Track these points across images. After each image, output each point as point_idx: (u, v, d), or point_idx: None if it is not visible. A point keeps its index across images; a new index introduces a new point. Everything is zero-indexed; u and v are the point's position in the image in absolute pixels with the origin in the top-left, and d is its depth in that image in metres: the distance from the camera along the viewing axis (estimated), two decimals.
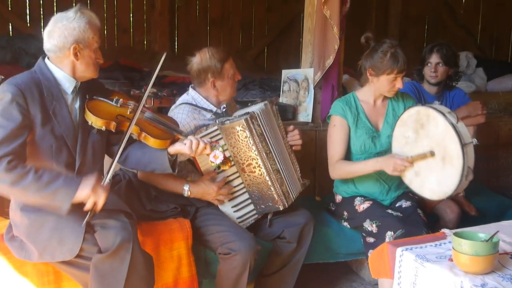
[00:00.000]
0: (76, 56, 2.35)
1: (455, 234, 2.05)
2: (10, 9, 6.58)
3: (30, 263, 2.38)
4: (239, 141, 2.75)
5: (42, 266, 2.41)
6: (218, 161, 2.51)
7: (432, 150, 2.70)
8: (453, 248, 2.01)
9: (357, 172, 3.04)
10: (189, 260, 2.75)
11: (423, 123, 2.75)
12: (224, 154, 2.52)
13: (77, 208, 2.26)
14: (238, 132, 2.73)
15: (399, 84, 2.99)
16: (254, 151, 2.75)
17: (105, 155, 2.61)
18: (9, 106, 2.24)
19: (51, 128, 2.32)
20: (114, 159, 2.34)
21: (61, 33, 2.31)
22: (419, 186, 2.82)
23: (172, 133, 2.51)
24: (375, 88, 3.09)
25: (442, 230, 2.43)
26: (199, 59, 2.89)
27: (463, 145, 2.56)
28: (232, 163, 2.77)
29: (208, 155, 2.51)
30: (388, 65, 2.94)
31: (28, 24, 6.62)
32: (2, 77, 4.11)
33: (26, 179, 2.19)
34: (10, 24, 6.57)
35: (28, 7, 6.70)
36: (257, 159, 2.76)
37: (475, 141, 2.62)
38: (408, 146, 2.83)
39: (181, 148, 2.45)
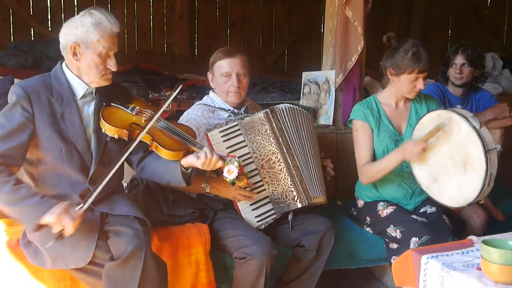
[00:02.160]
0: (76, 56, 2.30)
1: (484, 242, 1.97)
2: (31, 14, 6.65)
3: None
4: (258, 135, 2.77)
5: (58, 271, 2.38)
6: (232, 176, 2.42)
7: (441, 124, 2.64)
8: (481, 256, 1.93)
9: (383, 169, 2.93)
10: (207, 265, 2.71)
11: (444, 128, 2.67)
12: (239, 169, 2.43)
13: (89, 216, 2.24)
14: (258, 125, 2.77)
15: (420, 85, 2.91)
16: (274, 145, 2.77)
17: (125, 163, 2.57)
18: (12, 108, 2.25)
19: (59, 132, 2.30)
20: (108, 175, 2.22)
21: (65, 31, 2.29)
22: (438, 193, 2.76)
23: (186, 144, 2.43)
24: (396, 89, 3.03)
25: (470, 237, 2.34)
26: None
27: (486, 151, 2.49)
28: (256, 172, 2.76)
29: (222, 168, 2.42)
30: (409, 64, 2.87)
31: (50, 29, 6.67)
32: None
33: (3, 188, 2.16)
34: (31, 29, 6.63)
35: (49, 12, 6.76)
36: (277, 153, 2.78)
37: (498, 147, 2.54)
38: (427, 151, 2.75)
39: (194, 161, 2.37)
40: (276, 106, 2.87)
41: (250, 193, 2.76)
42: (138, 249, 2.22)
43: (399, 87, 2.99)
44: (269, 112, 2.80)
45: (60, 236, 2.15)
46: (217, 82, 2.91)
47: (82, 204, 2.19)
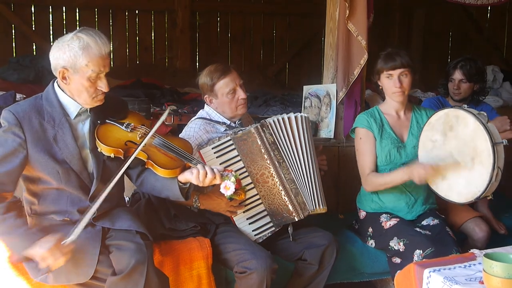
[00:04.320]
0: (65, 79, 2.27)
1: (486, 255, 1.96)
2: (34, 29, 6.69)
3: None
4: (251, 150, 2.75)
5: (60, 287, 2.37)
6: (229, 192, 2.40)
7: (456, 160, 2.66)
8: (484, 270, 1.92)
9: (388, 183, 2.96)
10: (209, 279, 2.70)
11: (452, 125, 2.71)
12: (237, 184, 2.41)
13: (91, 231, 2.24)
14: (249, 140, 2.74)
15: (395, 82, 2.97)
16: (266, 159, 2.75)
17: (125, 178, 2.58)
18: (4, 133, 2.25)
19: (53, 154, 2.29)
20: (102, 195, 2.21)
21: (54, 54, 2.26)
22: (446, 190, 2.77)
23: (182, 160, 2.41)
24: (387, 96, 3.11)
25: (472, 250, 2.34)
26: (200, 76, 2.97)
27: (494, 144, 2.52)
28: (252, 186, 2.75)
29: (219, 185, 2.41)
30: (381, 63, 3.02)
31: (52, 44, 6.67)
32: (24, 96, 4.16)
33: None
34: (34, 43, 6.67)
35: (51, 27, 6.80)
36: (270, 167, 2.75)
37: (505, 141, 2.58)
38: (435, 150, 2.79)
39: (189, 177, 2.36)
40: (267, 119, 2.83)
41: (239, 207, 2.76)
42: (140, 264, 2.22)
43: (386, 91, 3.07)
44: (259, 127, 2.76)
45: (49, 270, 2.17)
46: (222, 101, 2.90)
47: (70, 237, 2.16)
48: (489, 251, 2.14)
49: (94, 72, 2.24)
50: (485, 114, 2.63)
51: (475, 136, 2.60)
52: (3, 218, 2.18)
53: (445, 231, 2.92)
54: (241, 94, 2.89)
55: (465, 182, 2.66)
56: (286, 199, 2.77)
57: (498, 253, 2.00)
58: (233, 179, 2.40)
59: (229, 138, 2.75)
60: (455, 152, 2.69)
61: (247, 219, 2.81)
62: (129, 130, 2.41)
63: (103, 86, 2.29)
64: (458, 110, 2.70)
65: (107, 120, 2.41)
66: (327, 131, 3.82)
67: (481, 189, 2.59)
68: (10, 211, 2.22)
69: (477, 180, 2.60)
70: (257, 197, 2.80)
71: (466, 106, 3.57)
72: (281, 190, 2.77)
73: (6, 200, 2.25)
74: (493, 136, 2.54)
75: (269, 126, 2.79)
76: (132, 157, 2.29)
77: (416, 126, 3.09)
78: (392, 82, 2.99)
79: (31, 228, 2.29)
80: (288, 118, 2.85)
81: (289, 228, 2.87)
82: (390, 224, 3.01)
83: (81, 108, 2.36)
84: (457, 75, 3.66)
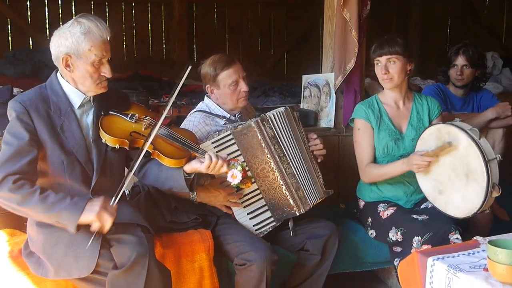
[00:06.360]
0: (68, 67, 2.26)
1: (490, 242, 1.95)
2: (29, 23, 6.65)
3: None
4: (251, 145, 2.70)
5: (61, 281, 2.36)
6: (236, 181, 2.41)
7: (450, 141, 2.66)
8: (488, 257, 1.91)
9: (387, 174, 2.97)
10: (211, 272, 2.69)
11: (444, 141, 2.70)
12: (243, 173, 2.42)
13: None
14: (249, 135, 2.69)
15: (382, 69, 2.96)
16: (267, 154, 2.70)
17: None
18: (15, 124, 2.22)
19: (60, 144, 2.27)
20: (125, 180, 2.23)
21: (55, 42, 2.25)
22: (444, 204, 2.79)
23: (188, 150, 2.41)
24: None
25: (475, 237, 2.33)
26: (203, 65, 2.90)
27: (487, 162, 2.52)
28: (253, 180, 2.72)
29: (226, 173, 2.41)
30: (371, 50, 3.02)
31: (48, 37, 6.65)
32: (21, 90, 4.13)
33: (32, 199, 2.16)
34: (30, 37, 6.63)
35: (47, 21, 6.77)
36: (270, 162, 2.71)
37: (499, 157, 2.58)
38: (431, 164, 2.78)
39: (198, 166, 2.36)
40: (267, 113, 2.78)
41: (237, 200, 2.74)
42: (142, 257, 2.20)
43: (378, 79, 3.05)
44: (260, 121, 2.70)
45: (98, 233, 2.17)
46: (224, 93, 2.85)
47: (114, 199, 2.20)
48: (493, 238, 2.13)
49: (97, 57, 2.24)
50: (477, 130, 2.61)
51: (467, 154, 2.60)
52: (43, 196, 2.17)
53: (442, 212, 2.92)
54: (243, 87, 2.86)
55: (461, 198, 2.68)
56: (287, 193, 2.74)
57: (503, 240, 1.99)
58: (239, 167, 2.40)
59: (229, 132, 2.71)
60: (450, 166, 2.70)
61: (247, 214, 2.78)
62: (133, 121, 2.40)
63: (106, 71, 2.29)
64: (450, 126, 2.69)
65: (110, 112, 2.39)
66: (327, 120, 3.80)
67: (477, 206, 2.61)
68: (46, 190, 2.21)
69: (473, 197, 2.62)
70: (258, 191, 2.77)
71: (458, 120, 3.57)
72: (282, 185, 2.74)
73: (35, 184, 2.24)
74: (485, 153, 2.54)
75: (269, 120, 2.74)
76: (147, 146, 2.28)
77: (416, 117, 3.07)
78: (379, 69, 2.98)
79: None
80: (285, 111, 2.82)
81: (289, 223, 2.85)
82: (387, 214, 3.01)
83: (84, 98, 2.34)
84: (460, 60, 3.64)
